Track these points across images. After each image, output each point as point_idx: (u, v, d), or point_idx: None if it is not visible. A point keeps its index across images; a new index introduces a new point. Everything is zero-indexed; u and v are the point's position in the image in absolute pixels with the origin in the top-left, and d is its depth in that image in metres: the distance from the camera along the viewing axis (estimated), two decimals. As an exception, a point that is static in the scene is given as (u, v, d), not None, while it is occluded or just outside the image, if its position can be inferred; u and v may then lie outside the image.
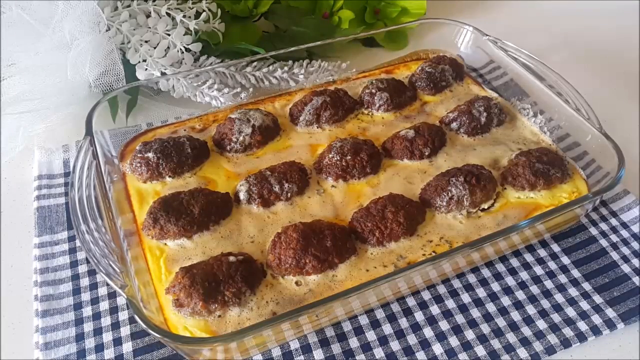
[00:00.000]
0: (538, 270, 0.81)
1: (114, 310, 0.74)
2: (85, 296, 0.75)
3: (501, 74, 1.11)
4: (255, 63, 1.06)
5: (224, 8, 1.12)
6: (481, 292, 0.78)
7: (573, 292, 0.78)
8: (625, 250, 0.83)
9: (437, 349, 0.71)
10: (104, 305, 0.74)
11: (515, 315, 0.75)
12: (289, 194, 0.82)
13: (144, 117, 1.01)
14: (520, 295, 0.77)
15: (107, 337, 0.71)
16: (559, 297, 0.77)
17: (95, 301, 0.75)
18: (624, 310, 0.75)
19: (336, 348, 0.71)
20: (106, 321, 0.72)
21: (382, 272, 0.73)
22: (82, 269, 0.78)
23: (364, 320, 0.74)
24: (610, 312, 0.75)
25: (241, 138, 0.90)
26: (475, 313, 0.75)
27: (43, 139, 0.95)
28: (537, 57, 1.02)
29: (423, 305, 0.76)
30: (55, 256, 0.79)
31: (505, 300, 0.77)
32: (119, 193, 0.83)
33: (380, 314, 0.74)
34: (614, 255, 0.82)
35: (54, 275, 0.77)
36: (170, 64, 1.01)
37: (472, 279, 0.79)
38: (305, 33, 1.17)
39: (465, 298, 0.77)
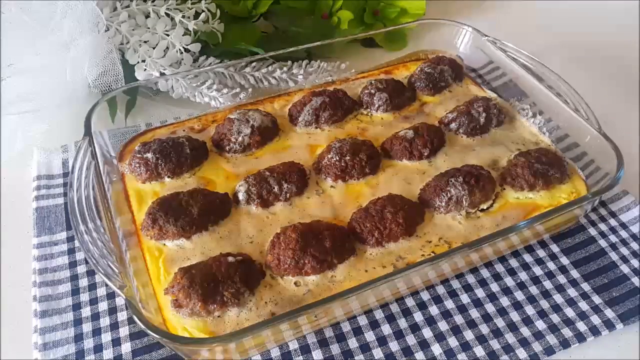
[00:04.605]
0: (537, 270, 0.81)
1: (112, 310, 0.74)
2: (84, 297, 0.75)
3: (500, 75, 1.11)
4: (254, 63, 1.06)
5: (223, 8, 1.12)
6: (480, 293, 0.78)
7: (572, 292, 0.78)
8: (624, 251, 0.83)
9: (436, 349, 0.71)
10: (103, 306, 0.74)
11: (515, 316, 0.75)
12: (288, 195, 0.82)
13: (143, 118, 1.01)
14: (520, 295, 0.77)
15: (106, 337, 0.71)
16: (558, 298, 0.77)
17: (94, 302, 0.75)
18: (623, 311, 0.75)
19: (335, 349, 0.71)
20: (105, 322, 0.72)
21: (381, 272, 0.73)
22: (81, 269, 0.78)
23: (363, 320, 0.74)
24: (609, 313, 0.75)
25: (240, 138, 0.90)
26: (475, 313, 0.75)
27: (42, 139, 0.95)
28: (537, 57, 1.02)
29: (422, 306, 0.76)
30: (54, 257, 0.79)
31: (505, 301, 0.77)
32: (117, 193, 0.83)
33: (379, 315, 0.74)
34: (613, 256, 0.82)
35: (53, 276, 0.77)
36: (169, 64, 1.01)
37: (471, 279, 0.79)
38: (305, 33, 1.16)
39: (465, 298, 0.77)
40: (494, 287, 0.78)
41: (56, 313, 0.73)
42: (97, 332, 0.71)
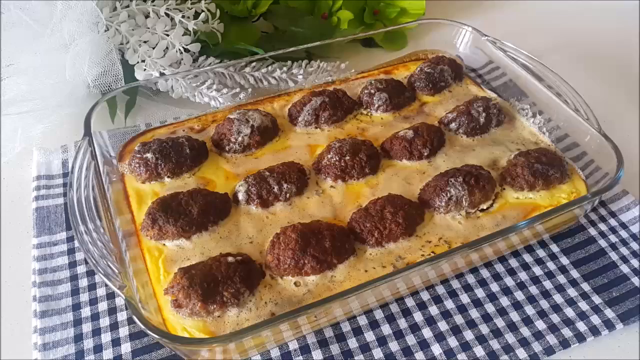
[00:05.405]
0: (537, 270, 0.81)
1: (112, 310, 0.74)
2: (84, 297, 0.75)
3: (500, 75, 1.11)
4: (254, 63, 1.06)
5: (222, 8, 1.12)
6: (480, 293, 0.78)
7: (572, 292, 0.78)
8: (624, 251, 0.83)
9: (436, 349, 0.71)
10: (103, 306, 0.74)
11: (514, 316, 0.75)
12: (287, 195, 0.82)
13: (142, 118, 1.01)
14: (519, 295, 0.77)
15: (106, 337, 0.71)
16: (557, 298, 0.77)
17: (93, 302, 0.75)
18: (623, 311, 0.75)
19: (335, 349, 0.71)
20: (105, 322, 0.72)
21: (380, 272, 0.73)
22: (81, 269, 0.78)
23: (362, 320, 0.74)
24: (609, 313, 0.75)
25: (240, 138, 0.90)
26: (474, 313, 0.75)
27: (42, 139, 0.95)
28: (536, 57, 1.02)
29: (422, 306, 0.76)
30: (54, 257, 0.79)
31: (505, 301, 0.77)
32: (117, 194, 0.83)
33: (379, 315, 0.74)
34: (613, 256, 0.82)
35: (53, 276, 0.77)
36: (169, 64, 1.01)
37: (471, 279, 0.79)
38: (304, 33, 1.16)
39: (464, 298, 0.77)
40: (494, 287, 0.78)
41: (56, 313, 0.73)
42: (96, 332, 0.71)
